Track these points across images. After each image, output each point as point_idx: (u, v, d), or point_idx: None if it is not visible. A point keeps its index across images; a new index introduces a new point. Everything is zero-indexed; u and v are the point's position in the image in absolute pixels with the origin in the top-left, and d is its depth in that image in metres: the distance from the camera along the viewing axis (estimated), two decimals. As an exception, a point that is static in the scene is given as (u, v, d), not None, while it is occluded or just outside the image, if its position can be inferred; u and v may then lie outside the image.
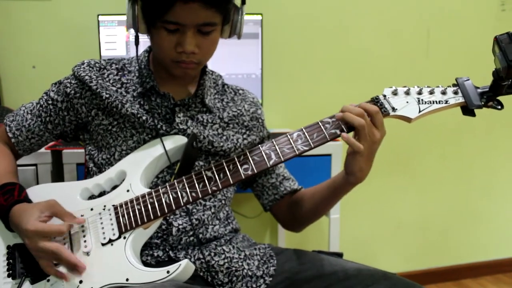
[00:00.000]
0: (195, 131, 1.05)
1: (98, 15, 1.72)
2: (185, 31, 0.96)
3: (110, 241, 0.94)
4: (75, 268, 0.90)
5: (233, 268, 1.04)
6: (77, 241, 0.96)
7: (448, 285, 2.43)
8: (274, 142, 0.95)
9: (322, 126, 0.94)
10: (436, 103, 0.94)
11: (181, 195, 0.95)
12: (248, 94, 1.21)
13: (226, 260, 1.03)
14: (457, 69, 2.23)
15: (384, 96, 0.96)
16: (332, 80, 2.14)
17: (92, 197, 1.04)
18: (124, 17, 1.66)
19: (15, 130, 1.10)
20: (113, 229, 0.95)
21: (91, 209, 0.99)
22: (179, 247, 1.02)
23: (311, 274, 1.04)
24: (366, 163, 0.96)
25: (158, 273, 0.86)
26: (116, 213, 0.97)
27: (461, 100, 0.94)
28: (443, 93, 0.95)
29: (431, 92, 0.95)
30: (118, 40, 1.74)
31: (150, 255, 1.00)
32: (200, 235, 1.05)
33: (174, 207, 0.95)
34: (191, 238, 1.03)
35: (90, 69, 1.07)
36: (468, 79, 0.94)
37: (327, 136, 0.93)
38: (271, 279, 1.07)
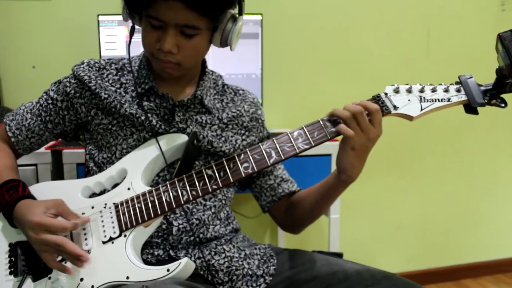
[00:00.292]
0: (195, 130, 1.05)
1: (98, 15, 1.72)
2: (167, 29, 0.95)
3: (111, 239, 0.94)
4: (79, 259, 0.90)
5: (234, 267, 1.04)
6: (77, 239, 0.96)
7: (448, 285, 2.43)
8: (274, 140, 0.95)
9: (322, 125, 0.94)
10: (438, 101, 0.94)
11: (182, 193, 0.95)
12: (248, 95, 1.21)
13: (226, 259, 1.03)
14: (457, 69, 2.22)
15: (386, 94, 0.96)
16: (332, 80, 2.14)
17: (93, 195, 1.04)
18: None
19: (15, 130, 1.10)
20: (113, 227, 0.95)
21: (92, 207, 0.99)
22: (180, 247, 1.02)
23: (311, 274, 1.04)
24: (358, 160, 0.96)
25: (158, 271, 0.86)
26: (117, 211, 0.97)
27: (464, 98, 0.93)
28: (446, 91, 0.94)
29: (434, 90, 0.95)
30: (118, 40, 1.74)
31: (150, 254, 1.00)
32: (201, 235, 1.05)
33: (174, 206, 0.95)
34: (192, 238, 1.03)
35: (90, 69, 1.07)
36: (471, 77, 0.94)
37: (328, 135, 0.94)
38: (271, 278, 1.07)
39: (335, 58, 2.14)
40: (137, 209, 0.96)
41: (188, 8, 0.91)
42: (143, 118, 1.03)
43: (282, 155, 0.93)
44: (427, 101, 0.94)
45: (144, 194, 0.97)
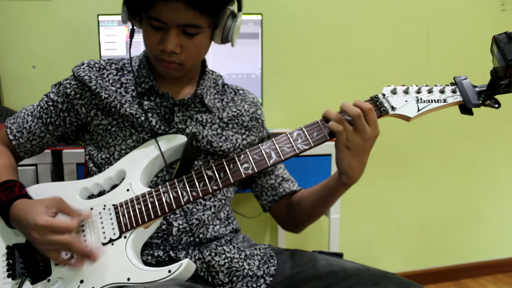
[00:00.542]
0: (194, 131, 1.05)
1: (98, 15, 1.72)
2: (168, 30, 0.95)
3: (111, 240, 0.94)
4: (89, 258, 0.90)
5: (234, 268, 1.04)
6: None
7: (448, 285, 2.44)
8: (274, 141, 0.95)
9: (322, 125, 0.94)
10: (435, 102, 0.95)
11: (182, 194, 0.95)
12: (248, 94, 1.21)
13: (226, 260, 1.03)
14: (457, 69, 2.23)
15: (383, 95, 0.97)
16: (332, 80, 2.14)
17: (91, 196, 1.04)
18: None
19: (16, 132, 1.10)
20: (113, 228, 0.95)
21: (91, 209, 0.99)
22: (180, 247, 1.02)
23: (311, 274, 1.04)
24: (356, 160, 0.95)
25: (159, 273, 0.86)
26: (117, 213, 0.97)
27: (459, 99, 0.94)
28: (442, 92, 0.95)
29: (430, 91, 0.96)
30: (118, 40, 1.74)
31: (150, 255, 1.00)
32: (201, 235, 1.05)
33: (174, 206, 0.95)
34: (191, 238, 1.03)
35: (90, 69, 1.07)
36: (466, 78, 0.95)
37: (327, 135, 0.94)
38: (271, 279, 1.07)
39: (335, 58, 2.14)
40: (137, 210, 0.96)
41: (189, 7, 0.91)
42: (142, 118, 1.03)
43: (281, 156, 0.94)
44: (424, 102, 0.95)
45: (143, 195, 0.97)
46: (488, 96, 0.93)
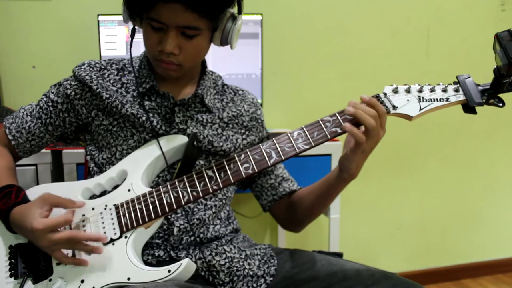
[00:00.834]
0: (195, 131, 1.05)
1: (98, 15, 1.72)
2: (167, 31, 0.95)
3: (112, 240, 0.94)
4: (98, 240, 0.93)
5: (234, 268, 1.04)
6: None
7: (448, 285, 2.44)
8: (274, 140, 0.95)
9: (322, 125, 0.94)
10: (437, 101, 0.94)
11: (182, 194, 0.95)
12: (247, 95, 1.21)
13: (227, 260, 1.03)
14: (457, 69, 2.22)
15: (385, 94, 0.96)
16: (332, 80, 2.14)
17: (93, 196, 1.04)
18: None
19: (15, 132, 1.10)
20: (114, 228, 0.95)
21: (93, 209, 0.99)
22: (180, 247, 1.02)
23: (311, 274, 1.04)
24: (363, 159, 0.97)
25: (159, 272, 0.87)
26: (117, 213, 0.97)
27: (462, 97, 0.93)
28: (444, 90, 0.94)
29: (432, 90, 0.95)
30: (118, 40, 1.74)
31: (151, 255, 1.00)
32: (201, 235, 1.05)
33: (175, 206, 0.95)
34: (192, 238, 1.03)
35: (91, 69, 1.07)
36: (469, 77, 0.94)
37: (328, 135, 0.93)
38: (271, 278, 1.07)
39: (335, 58, 2.14)
40: (138, 210, 0.96)
41: (188, 9, 0.91)
42: (144, 118, 1.03)
43: (282, 156, 0.93)
44: (426, 101, 0.94)
45: (144, 195, 0.97)
46: (491, 94, 0.92)
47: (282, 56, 2.06)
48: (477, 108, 0.93)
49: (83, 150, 1.44)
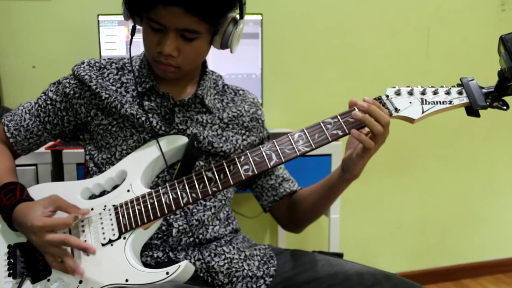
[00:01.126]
0: (195, 131, 1.05)
1: (98, 15, 1.72)
2: (167, 33, 0.95)
3: (110, 241, 0.94)
4: (87, 251, 0.92)
5: (233, 269, 1.04)
6: None
7: (448, 285, 2.43)
8: (275, 142, 0.95)
9: (323, 127, 0.94)
10: (440, 103, 0.93)
11: (181, 195, 0.95)
12: (248, 95, 1.20)
13: (226, 261, 1.03)
14: (457, 69, 2.24)
15: (387, 96, 0.95)
16: (332, 80, 2.14)
17: (92, 196, 1.04)
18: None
19: (14, 130, 1.10)
20: (113, 229, 0.95)
21: (92, 209, 0.99)
22: (179, 248, 1.02)
23: (311, 275, 1.04)
24: (367, 161, 0.96)
25: (157, 274, 0.86)
26: (116, 213, 0.97)
27: (466, 100, 0.92)
28: (447, 93, 0.93)
29: (435, 93, 0.94)
30: (118, 40, 1.74)
31: (150, 256, 1.00)
32: (200, 236, 1.04)
33: (174, 208, 0.95)
34: (191, 239, 1.03)
35: (90, 68, 1.07)
36: (473, 79, 0.93)
37: (329, 137, 0.93)
38: (271, 279, 1.07)
39: (335, 58, 2.13)
40: (137, 211, 0.96)
41: (188, 13, 0.91)
42: (143, 119, 1.03)
43: (282, 158, 0.93)
44: (429, 103, 0.93)
45: (143, 196, 0.97)
46: (495, 97, 0.91)
47: (282, 56, 2.06)
48: (480, 110, 0.92)
49: (83, 150, 1.43)
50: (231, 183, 0.94)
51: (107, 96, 1.04)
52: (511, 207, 2.52)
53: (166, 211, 0.95)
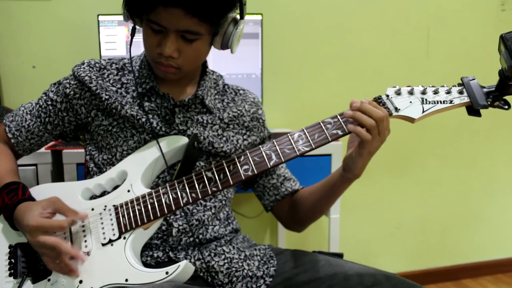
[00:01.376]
0: (195, 132, 1.05)
1: (98, 15, 1.72)
2: (167, 34, 0.95)
3: (110, 241, 0.94)
4: (76, 259, 0.91)
5: (233, 269, 1.04)
6: (77, 241, 0.96)
7: (448, 285, 2.44)
8: (275, 142, 0.95)
9: (323, 127, 0.94)
10: (441, 103, 0.93)
11: (181, 195, 0.95)
12: (249, 95, 1.20)
13: (226, 261, 1.03)
14: (457, 69, 2.24)
15: (387, 96, 0.95)
16: (332, 79, 2.14)
17: (93, 197, 1.04)
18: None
19: (15, 131, 1.10)
20: (113, 229, 0.95)
21: (92, 209, 0.99)
22: (179, 248, 1.02)
23: (311, 275, 1.04)
24: (368, 160, 0.96)
25: (157, 274, 0.87)
26: (117, 213, 0.97)
27: (466, 100, 0.92)
28: (448, 92, 0.93)
29: (436, 92, 0.94)
30: (118, 40, 1.74)
31: (150, 256, 1.00)
32: (200, 236, 1.05)
33: (173, 208, 0.95)
34: (191, 239, 1.03)
35: (90, 69, 1.07)
36: (474, 79, 0.93)
37: (328, 137, 0.93)
38: (271, 279, 1.07)
39: (335, 58, 2.13)
40: (137, 211, 0.96)
41: (189, 14, 0.91)
42: (143, 120, 1.03)
43: (282, 158, 0.93)
44: (429, 103, 0.93)
45: (143, 196, 0.97)
46: (496, 97, 0.90)
47: (282, 56, 2.06)
48: (483, 110, 0.92)
49: (83, 150, 1.44)
50: (231, 183, 0.94)
51: (107, 97, 1.04)
52: (511, 207, 2.52)
53: (166, 211, 0.95)
